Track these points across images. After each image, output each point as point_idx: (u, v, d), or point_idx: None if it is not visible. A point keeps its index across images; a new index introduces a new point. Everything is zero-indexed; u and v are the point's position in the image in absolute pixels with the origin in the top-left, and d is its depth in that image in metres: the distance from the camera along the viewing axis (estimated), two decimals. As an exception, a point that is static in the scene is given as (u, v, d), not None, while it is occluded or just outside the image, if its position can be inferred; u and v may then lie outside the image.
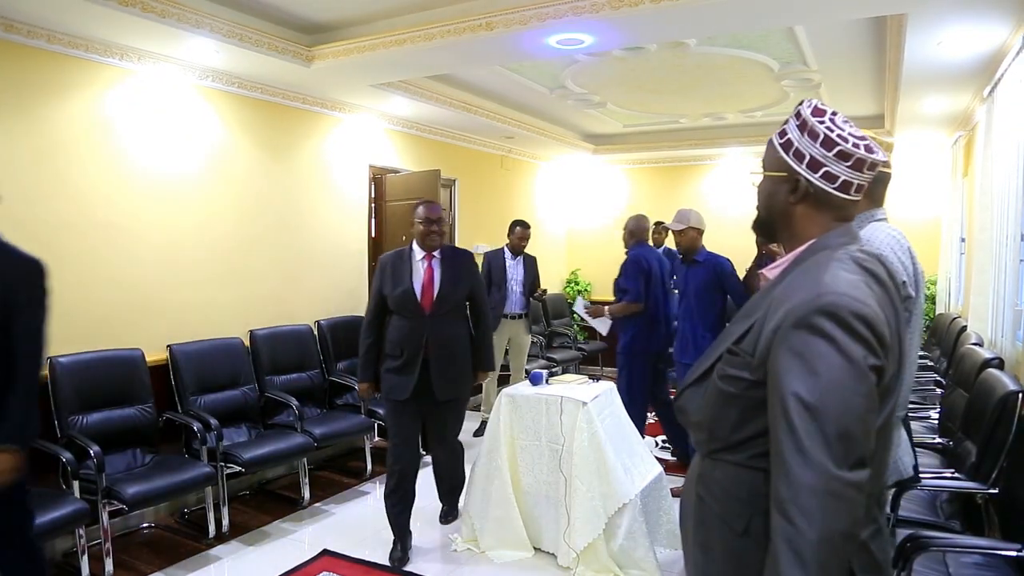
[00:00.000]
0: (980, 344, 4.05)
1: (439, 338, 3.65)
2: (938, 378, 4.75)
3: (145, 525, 4.18)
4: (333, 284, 5.65)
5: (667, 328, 5.02)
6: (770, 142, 1.44)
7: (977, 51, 4.15)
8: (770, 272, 1.44)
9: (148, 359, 4.14)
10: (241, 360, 4.67)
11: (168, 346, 4.33)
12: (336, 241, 5.70)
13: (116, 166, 4.12)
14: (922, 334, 4.21)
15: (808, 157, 1.35)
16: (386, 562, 3.68)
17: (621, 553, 3.45)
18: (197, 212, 4.58)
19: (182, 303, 4.49)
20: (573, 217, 9.50)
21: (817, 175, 1.34)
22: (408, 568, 3.63)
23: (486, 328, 3.96)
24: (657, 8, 3.46)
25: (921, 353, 4.84)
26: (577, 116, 7.30)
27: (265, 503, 4.57)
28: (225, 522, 4.07)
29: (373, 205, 6.11)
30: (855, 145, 1.32)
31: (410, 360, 3.62)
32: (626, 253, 5.11)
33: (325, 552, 3.81)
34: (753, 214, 1.53)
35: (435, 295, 3.65)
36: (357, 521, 4.33)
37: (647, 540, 3.46)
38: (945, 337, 5.29)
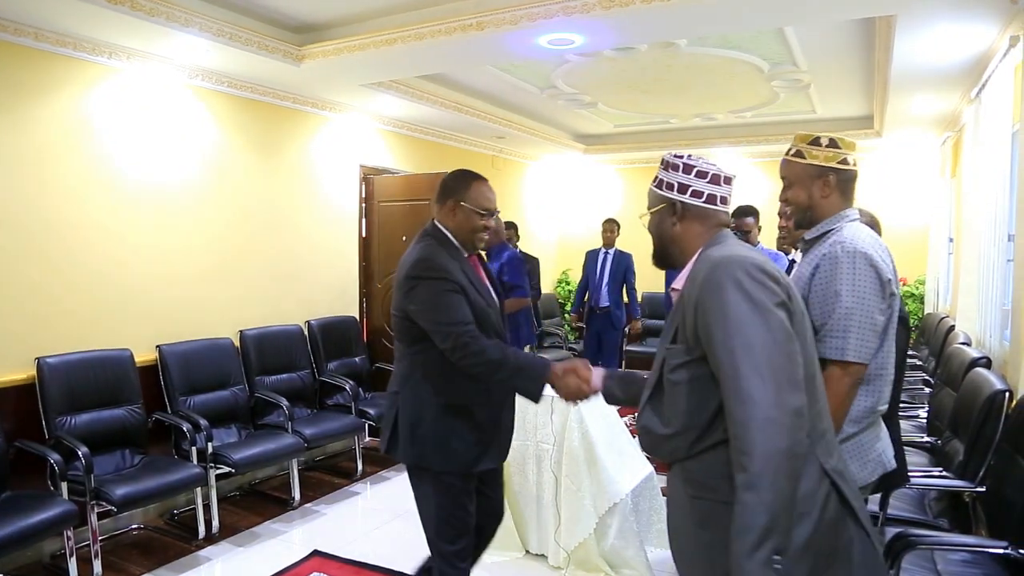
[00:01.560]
0: (968, 343, 4.08)
1: None
2: (926, 377, 4.78)
3: (134, 527, 4.15)
4: (324, 284, 5.63)
5: None
6: (649, 190, 1.76)
7: (965, 52, 4.18)
8: (679, 284, 1.66)
9: (137, 359, 4.12)
10: (231, 360, 4.65)
11: (157, 346, 4.31)
12: (327, 241, 5.68)
13: (104, 165, 4.09)
14: (911, 333, 4.25)
15: (676, 185, 1.69)
16: (376, 562, 3.67)
17: (612, 552, 3.46)
18: (186, 212, 4.55)
19: (172, 303, 4.46)
20: (563, 217, 9.51)
21: (687, 195, 1.67)
22: (398, 570, 3.62)
23: None
24: (647, 8, 3.46)
25: (909, 352, 4.87)
26: (568, 116, 7.30)
27: (255, 504, 4.55)
28: (215, 523, 4.05)
29: (364, 205, 6.09)
30: (706, 165, 1.68)
31: (503, 404, 2.58)
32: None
33: (316, 552, 3.80)
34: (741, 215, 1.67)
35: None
36: (348, 521, 4.32)
37: (638, 539, 3.46)
38: (933, 336, 5.33)
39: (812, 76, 5.55)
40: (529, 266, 6.18)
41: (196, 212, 4.61)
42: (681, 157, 1.70)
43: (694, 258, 1.64)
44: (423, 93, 5.63)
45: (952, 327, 4.76)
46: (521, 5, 3.72)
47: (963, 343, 4.03)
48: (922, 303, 7.28)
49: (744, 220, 4.33)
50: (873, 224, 2.72)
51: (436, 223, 2.54)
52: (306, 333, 5.32)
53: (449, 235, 2.51)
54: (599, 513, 3.45)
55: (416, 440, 2.46)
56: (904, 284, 7.19)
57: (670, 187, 1.69)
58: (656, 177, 1.74)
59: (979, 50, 4.11)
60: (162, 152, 4.40)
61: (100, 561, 3.50)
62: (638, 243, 7.04)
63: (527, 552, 3.75)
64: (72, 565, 3.36)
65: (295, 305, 5.34)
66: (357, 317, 5.90)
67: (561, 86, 5.99)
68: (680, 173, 1.68)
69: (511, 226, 6.61)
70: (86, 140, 4.00)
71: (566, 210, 9.48)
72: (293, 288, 5.35)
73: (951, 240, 6.16)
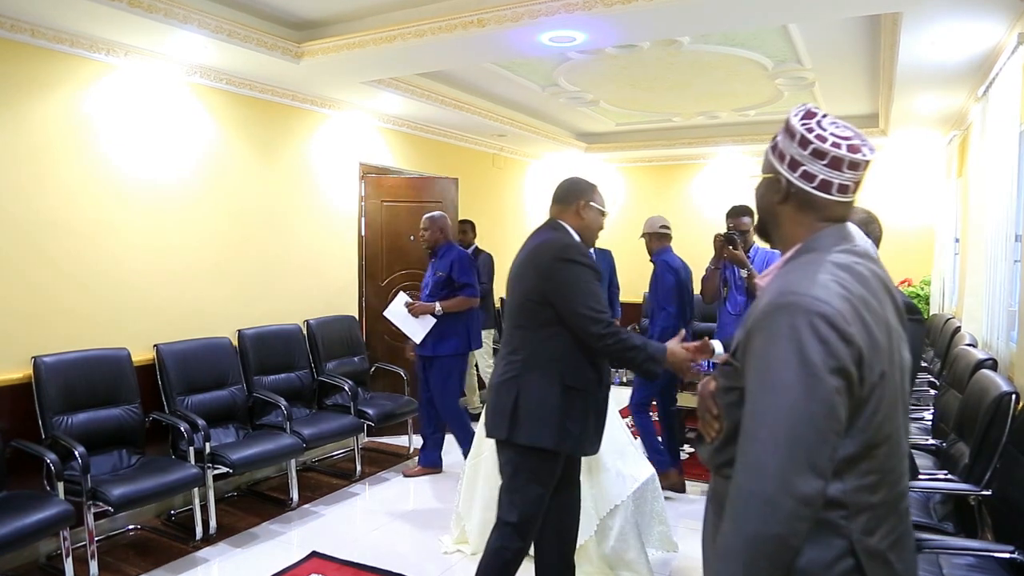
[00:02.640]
0: (974, 345, 4.03)
1: None
2: (932, 379, 4.74)
3: (131, 527, 4.12)
4: (322, 283, 5.60)
5: None
6: (766, 151, 1.45)
7: (972, 50, 4.13)
8: (762, 281, 1.45)
9: (135, 359, 4.09)
10: (229, 360, 4.61)
11: (155, 345, 4.28)
12: (326, 240, 5.64)
13: (101, 163, 4.05)
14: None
15: (788, 157, 1.36)
16: (375, 563, 3.64)
17: (613, 554, 3.42)
18: (184, 210, 4.52)
19: (169, 301, 4.43)
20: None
21: (796, 174, 1.35)
22: (399, 571, 3.59)
23: None
24: (650, 5, 3.42)
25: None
26: (569, 114, 7.27)
27: (253, 504, 4.52)
28: (212, 524, 4.01)
29: (363, 204, 6.05)
30: (834, 144, 1.32)
31: (608, 392, 2.81)
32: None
33: (314, 554, 3.77)
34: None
35: None
36: (346, 522, 4.29)
37: (639, 542, 3.43)
38: (939, 338, 5.28)
39: (817, 74, 5.51)
40: (481, 263, 6.08)
41: (194, 210, 4.58)
42: (809, 121, 1.35)
43: (790, 253, 1.39)
44: (424, 91, 5.59)
45: (958, 328, 4.72)
46: (522, 2, 3.68)
47: (969, 344, 3.99)
48: (928, 304, 7.24)
49: (741, 220, 4.30)
50: (869, 223, 2.67)
51: (560, 221, 2.75)
52: (305, 332, 5.28)
53: (572, 232, 2.72)
54: (600, 515, 3.42)
55: (538, 421, 2.58)
56: (909, 285, 7.14)
57: (781, 157, 1.37)
58: (774, 137, 1.42)
59: (986, 47, 4.07)
60: (160, 150, 4.36)
61: (97, 562, 3.46)
62: (614, 242, 7.03)
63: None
64: (68, 566, 3.32)
65: (294, 304, 5.31)
66: (356, 316, 5.87)
67: (563, 84, 5.95)
68: (795, 145, 1.34)
69: (468, 224, 6.51)
70: (83, 138, 3.96)
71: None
72: (292, 287, 5.31)
73: (957, 240, 6.11)
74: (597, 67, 5.42)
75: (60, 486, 3.39)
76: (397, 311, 4.90)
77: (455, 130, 6.96)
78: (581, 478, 3.46)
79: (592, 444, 2.73)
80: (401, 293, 5.02)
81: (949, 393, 3.60)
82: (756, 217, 1.51)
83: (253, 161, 4.96)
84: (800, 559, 1.21)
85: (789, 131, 1.36)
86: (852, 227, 1.39)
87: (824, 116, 1.36)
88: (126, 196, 4.18)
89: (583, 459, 3.47)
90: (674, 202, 8.74)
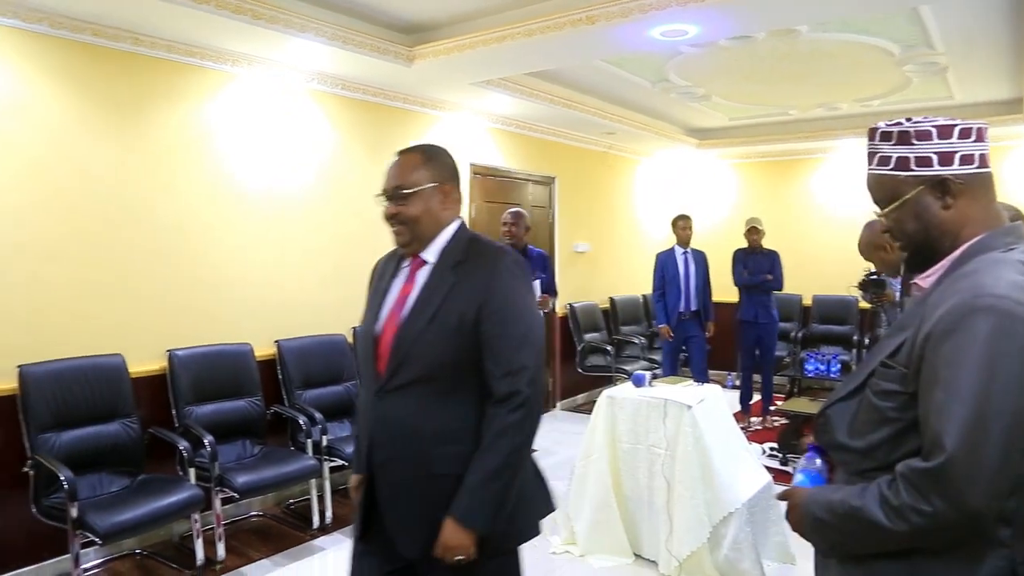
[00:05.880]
0: None
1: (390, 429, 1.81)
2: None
3: (254, 513, 4.34)
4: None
5: None
6: (874, 179, 1.36)
7: None
8: (924, 281, 1.34)
9: (256, 354, 4.29)
10: (344, 356, 4.77)
11: (276, 341, 4.47)
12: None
13: (224, 169, 4.28)
14: None
15: (935, 156, 1.27)
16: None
17: (726, 564, 3.30)
18: (302, 212, 4.72)
19: (289, 300, 4.62)
20: (676, 214, 9.24)
21: (955, 165, 1.26)
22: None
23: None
24: (768, -8, 3.29)
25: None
26: (680, 110, 7.09)
27: (367, 496, 4.64)
28: (328, 514, 4.17)
29: (472, 204, 6.12)
30: (940, 125, 1.27)
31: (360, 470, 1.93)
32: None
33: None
34: (864, 209, 1.41)
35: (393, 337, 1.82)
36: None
37: (754, 552, 3.30)
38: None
39: (950, 58, 5.13)
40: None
41: (311, 213, 4.77)
42: (910, 124, 1.29)
43: (958, 252, 1.28)
44: (532, 90, 5.59)
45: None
46: (633, -4, 3.62)
47: None
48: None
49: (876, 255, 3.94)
50: (1017, 218, 2.42)
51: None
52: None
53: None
54: (713, 522, 3.31)
55: None
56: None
57: (926, 162, 1.27)
58: (890, 158, 1.31)
59: None
60: (279, 155, 4.57)
61: (224, 544, 3.67)
62: (729, 240, 6.79)
63: (637, 557, 3.64)
64: (199, 546, 3.53)
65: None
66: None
67: (674, 79, 5.81)
68: (936, 140, 1.26)
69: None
70: (207, 145, 4.19)
71: (679, 207, 9.21)
72: (404, 286, 5.42)
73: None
74: (709, 60, 5.26)
75: (192, 472, 3.61)
76: None
77: (564, 129, 6.93)
78: (693, 483, 3.37)
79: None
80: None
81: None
82: (907, 250, 1.37)
83: (367, 164, 5.11)
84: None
85: (916, 136, 1.28)
86: (1020, 225, 1.30)
87: (908, 118, 1.31)
88: (248, 200, 4.40)
89: (696, 463, 3.39)
90: (792, 198, 8.38)
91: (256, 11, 3.59)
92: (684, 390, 3.75)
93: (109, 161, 3.76)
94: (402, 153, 1.93)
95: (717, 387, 3.98)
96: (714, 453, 3.41)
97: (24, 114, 3.46)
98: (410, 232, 1.88)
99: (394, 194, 1.88)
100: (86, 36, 3.61)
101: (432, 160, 1.90)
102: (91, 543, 3.19)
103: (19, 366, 3.39)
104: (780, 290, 6.49)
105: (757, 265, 6.43)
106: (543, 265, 4.94)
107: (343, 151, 4.98)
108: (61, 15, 3.46)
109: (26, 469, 3.29)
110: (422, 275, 1.86)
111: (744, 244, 6.53)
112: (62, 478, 3.12)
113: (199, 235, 4.16)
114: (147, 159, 3.91)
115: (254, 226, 4.43)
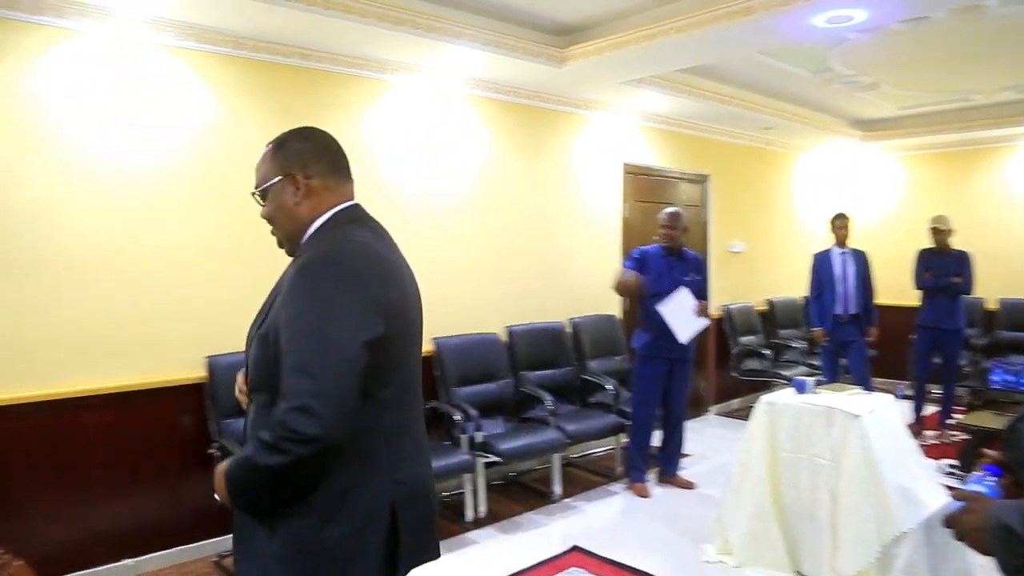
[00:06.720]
0: None
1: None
2: None
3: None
4: (586, 283, 5.70)
5: None
6: None
7: None
8: None
9: (416, 351, 4.47)
10: (499, 355, 4.88)
11: (433, 339, 4.65)
12: (590, 240, 5.76)
13: (383, 175, 4.49)
14: None
15: None
16: (635, 564, 3.63)
17: (898, 587, 3.08)
18: (460, 214, 4.87)
19: (446, 299, 4.77)
20: (833, 213, 8.72)
21: None
22: (654, 574, 3.55)
23: None
24: (949, -31, 3.04)
25: None
26: (844, 100, 6.67)
27: (517, 494, 4.74)
28: (482, 508, 4.28)
29: (625, 204, 6.07)
30: None
31: None
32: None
33: (575, 548, 3.86)
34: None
35: None
36: (606, 520, 4.33)
37: (931, 576, 3.05)
38: None
39: None
40: None
41: (469, 214, 4.92)
42: None
43: None
44: (685, 86, 5.46)
45: None
46: (793, -17, 3.45)
47: None
48: None
49: None
50: None
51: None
52: (569, 330, 5.43)
53: None
54: (883, 541, 3.10)
55: None
56: None
57: None
58: None
59: None
60: (436, 159, 4.74)
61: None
62: (870, 240, 6.25)
63: (798, 574, 3.47)
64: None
65: (559, 303, 5.48)
66: (619, 316, 5.89)
67: (837, 68, 5.48)
68: None
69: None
70: (366, 152, 4.40)
71: (841, 203, 8.68)
72: (557, 286, 5.49)
73: None
74: (878, 46, 4.91)
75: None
76: (679, 307, 4.56)
77: (718, 125, 6.72)
78: (860, 498, 3.17)
79: None
80: (683, 289, 4.61)
81: None
82: None
83: (521, 165, 5.20)
84: None
85: None
86: None
87: None
88: (406, 204, 4.60)
89: (865, 476, 3.18)
90: (973, 192, 7.67)
91: (416, 22, 3.76)
92: (851, 398, 3.54)
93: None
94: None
95: (889, 397, 3.71)
96: (885, 467, 3.18)
97: (217, 131, 3.81)
98: (278, 234, 1.69)
99: (258, 195, 1.69)
100: (262, 55, 3.93)
101: (280, 148, 1.65)
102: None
103: (207, 357, 3.73)
104: (968, 294, 5.97)
105: (943, 267, 5.95)
106: (697, 268, 4.82)
107: (498, 153, 5.10)
108: (245, 37, 3.80)
109: (211, 451, 3.63)
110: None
111: (929, 244, 6.05)
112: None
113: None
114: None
115: (413, 228, 4.60)
